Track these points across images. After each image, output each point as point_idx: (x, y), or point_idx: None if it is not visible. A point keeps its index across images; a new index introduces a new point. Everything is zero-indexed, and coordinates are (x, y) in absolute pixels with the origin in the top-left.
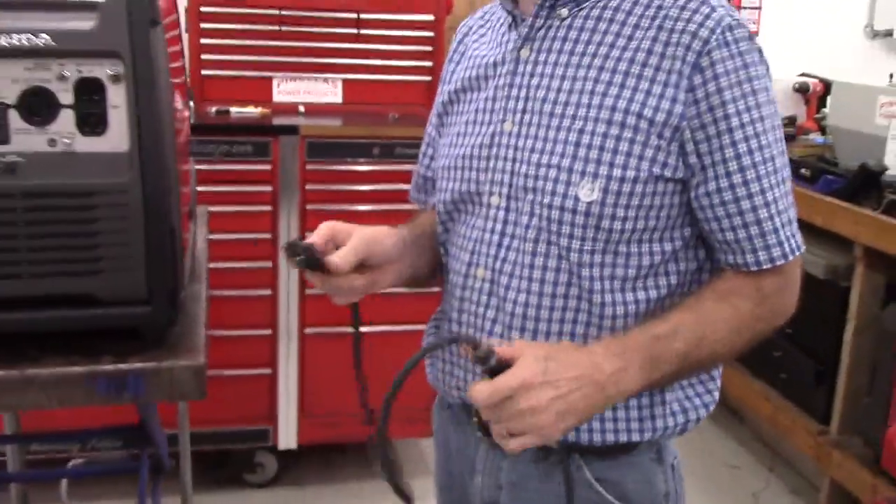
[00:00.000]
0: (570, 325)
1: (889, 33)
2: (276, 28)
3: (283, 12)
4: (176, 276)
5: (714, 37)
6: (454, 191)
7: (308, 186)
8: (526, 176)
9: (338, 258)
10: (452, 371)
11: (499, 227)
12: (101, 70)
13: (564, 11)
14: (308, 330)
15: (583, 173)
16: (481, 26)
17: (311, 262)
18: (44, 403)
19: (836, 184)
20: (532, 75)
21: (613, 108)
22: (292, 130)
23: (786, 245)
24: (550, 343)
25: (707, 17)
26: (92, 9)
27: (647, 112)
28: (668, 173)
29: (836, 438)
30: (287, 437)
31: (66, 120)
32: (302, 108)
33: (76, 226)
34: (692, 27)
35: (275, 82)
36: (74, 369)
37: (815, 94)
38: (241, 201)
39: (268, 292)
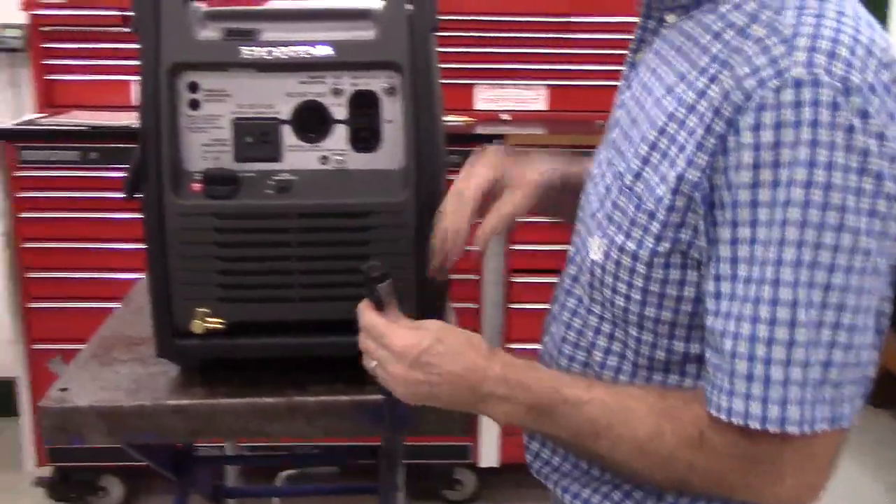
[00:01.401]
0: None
1: None
2: (478, 34)
3: (484, 18)
4: (444, 300)
5: (757, 97)
6: None
7: None
8: (580, 207)
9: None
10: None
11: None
12: (377, 83)
13: (671, 17)
14: (510, 345)
15: (598, 225)
16: None
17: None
18: (307, 432)
19: None
20: (628, 89)
21: (644, 160)
22: (497, 139)
23: (756, 405)
24: (458, 330)
25: (772, 60)
26: (369, 17)
27: (666, 171)
28: (675, 258)
29: None
30: (488, 455)
31: (338, 136)
32: (506, 116)
33: (349, 247)
34: (740, 73)
35: (476, 90)
36: (341, 398)
37: None
38: None
39: (473, 305)
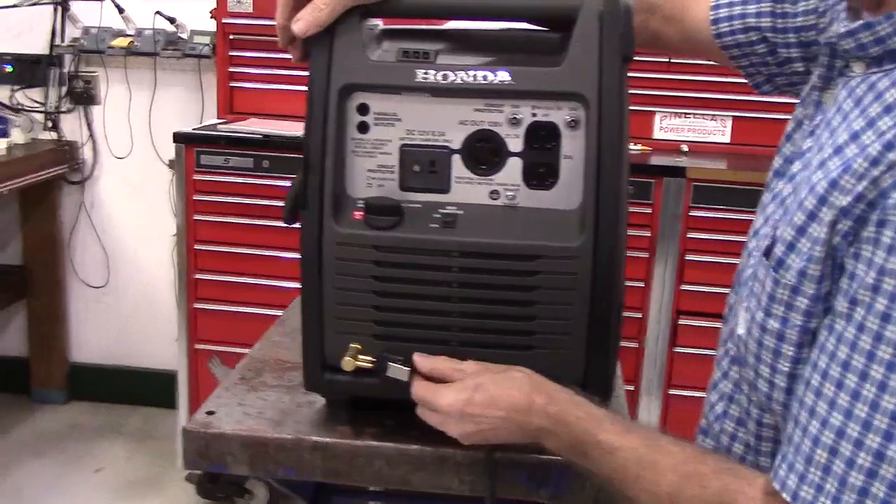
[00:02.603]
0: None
1: None
2: (662, 60)
3: None
4: (614, 360)
5: None
6: None
7: (689, 234)
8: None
9: None
10: None
11: None
12: (558, 114)
13: (858, 67)
14: (672, 391)
15: (748, 293)
16: None
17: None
18: (454, 486)
19: None
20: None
21: (801, 230)
22: (678, 172)
23: (793, 480)
24: (497, 369)
25: None
26: (555, 43)
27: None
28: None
29: None
30: None
31: (511, 170)
32: (685, 147)
33: (513, 292)
34: (889, 159)
35: (657, 117)
36: (495, 454)
37: None
38: None
39: (633, 344)
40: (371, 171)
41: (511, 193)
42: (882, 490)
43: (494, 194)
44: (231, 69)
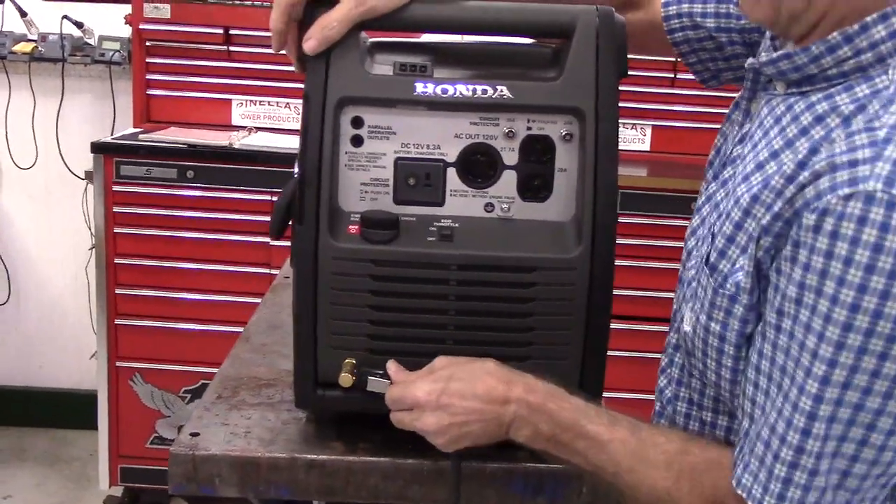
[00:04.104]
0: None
1: None
2: None
3: None
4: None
5: (825, 199)
6: None
7: None
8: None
9: None
10: None
11: None
12: (554, 128)
13: (780, 86)
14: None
15: (692, 294)
16: None
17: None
18: (450, 499)
19: None
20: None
21: (730, 239)
22: None
23: (757, 487)
24: (466, 360)
25: (852, 163)
26: (550, 59)
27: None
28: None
29: None
30: None
31: (506, 183)
32: None
33: (510, 304)
34: (819, 168)
35: None
36: (490, 465)
37: None
38: None
39: None
40: (364, 185)
41: (506, 206)
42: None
43: (489, 207)
44: (148, 76)
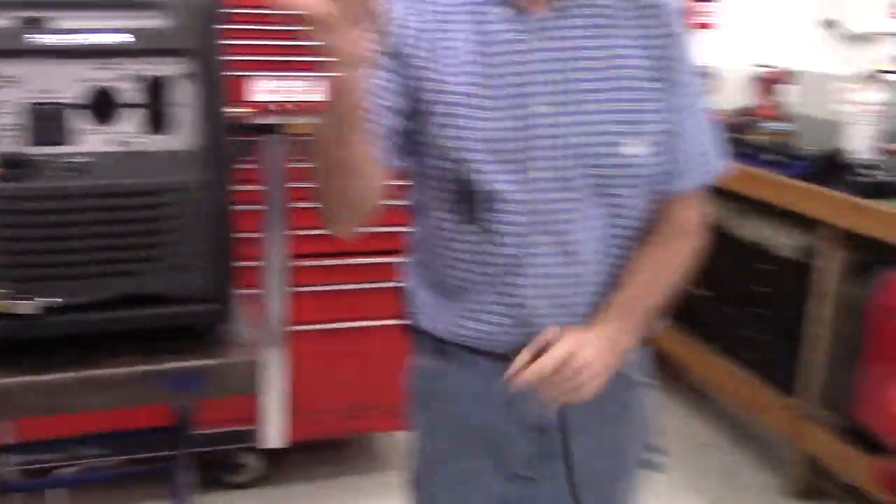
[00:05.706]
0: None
1: (838, 24)
2: (258, 27)
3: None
4: (234, 273)
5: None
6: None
7: (294, 185)
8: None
9: None
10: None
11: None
12: (169, 68)
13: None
14: (296, 327)
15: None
16: None
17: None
18: (109, 404)
19: (800, 168)
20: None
21: None
22: (277, 129)
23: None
24: (579, 331)
25: None
26: (160, 7)
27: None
28: None
29: (805, 410)
30: (272, 436)
31: (132, 119)
32: (287, 108)
33: (142, 224)
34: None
35: (254, 82)
36: (138, 369)
37: (771, 83)
38: None
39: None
40: (3, 130)
41: (134, 140)
42: None
43: (119, 143)
44: None
